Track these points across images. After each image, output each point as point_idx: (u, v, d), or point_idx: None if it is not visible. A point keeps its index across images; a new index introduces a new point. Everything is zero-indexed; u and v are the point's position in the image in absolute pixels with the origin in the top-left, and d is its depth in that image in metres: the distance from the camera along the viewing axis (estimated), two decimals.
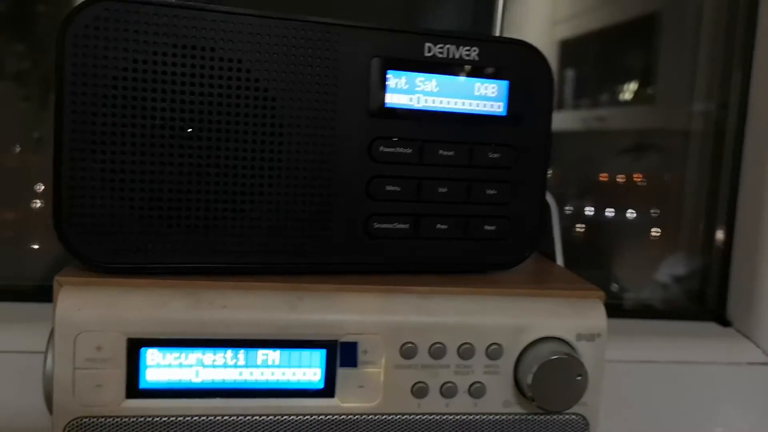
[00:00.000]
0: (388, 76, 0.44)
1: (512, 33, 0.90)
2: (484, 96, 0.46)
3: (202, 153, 0.41)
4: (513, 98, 0.46)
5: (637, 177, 0.91)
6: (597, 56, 0.94)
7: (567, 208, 0.90)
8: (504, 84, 0.46)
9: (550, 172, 0.91)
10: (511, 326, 0.43)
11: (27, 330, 0.64)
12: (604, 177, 0.92)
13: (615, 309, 0.86)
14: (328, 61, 0.42)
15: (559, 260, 0.54)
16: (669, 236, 0.91)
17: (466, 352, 0.43)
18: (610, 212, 0.91)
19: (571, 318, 0.44)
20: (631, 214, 0.91)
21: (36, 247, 0.78)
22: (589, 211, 0.91)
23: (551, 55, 0.92)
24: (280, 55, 0.42)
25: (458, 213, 0.46)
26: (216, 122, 0.41)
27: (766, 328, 0.73)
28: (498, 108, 0.46)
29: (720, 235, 0.84)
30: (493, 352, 0.43)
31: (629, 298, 0.90)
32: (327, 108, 0.43)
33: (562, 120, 0.93)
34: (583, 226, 0.90)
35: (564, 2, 0.93)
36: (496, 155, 0.46)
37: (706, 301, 0.85)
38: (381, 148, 0.44)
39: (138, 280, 0.41)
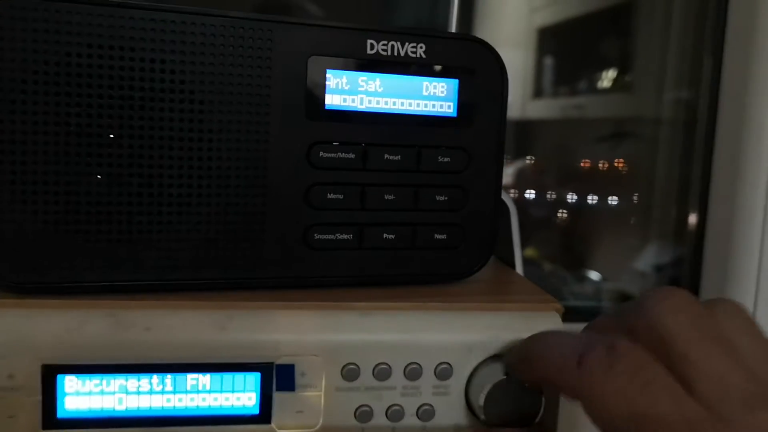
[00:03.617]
0: (327, 75, 0.41)
1: (489, 21, 0.88)
2: (432, 96, 0.43)
3: (123, 161, 0.38)
4: (464, 98, 0.43)
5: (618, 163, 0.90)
6: (575, 44, 0.92)
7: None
8: (454, 83, 0.43)
9: (530, 159, 0.90)
10: (461, 344, 0.40)
11: None
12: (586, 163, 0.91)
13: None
14: (260, 60, 0.39)
15: (518, 267, 0.51)
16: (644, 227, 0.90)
17: (412, 372, 0.40)
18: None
19: (526, 333, 0.41)
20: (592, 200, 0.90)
21: None
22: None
23: (529, 42, 0.90)
24: (207, 55, 0.38)
25: (406, 221, 0.43)
26: (138, 128, 0.38)
27: None
28: (448, 108, 0.43)
29: (692, 227, 0.83)
30: (442, 372, 0.40)
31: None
32: (260, 111, 0.40)
33: (540, 108, 0.92)
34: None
35: None
36: (445, 159, 0.43)
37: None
38: (321, 154, 0.41)
39: (53, 301, 0.38)
